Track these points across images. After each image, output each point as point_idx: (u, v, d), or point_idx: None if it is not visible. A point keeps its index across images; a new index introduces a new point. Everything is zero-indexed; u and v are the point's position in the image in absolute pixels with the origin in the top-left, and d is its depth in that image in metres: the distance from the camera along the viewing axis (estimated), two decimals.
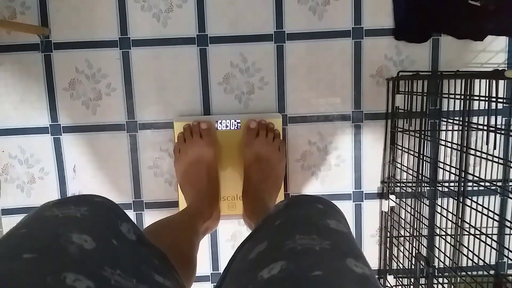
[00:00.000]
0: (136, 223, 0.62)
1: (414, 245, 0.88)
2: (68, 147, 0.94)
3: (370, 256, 0.97)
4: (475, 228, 0.72)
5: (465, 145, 0.78)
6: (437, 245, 0.91)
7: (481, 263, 0.69)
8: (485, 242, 0.68)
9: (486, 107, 0.91)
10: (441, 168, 0.88)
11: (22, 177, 0.95)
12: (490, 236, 0.67)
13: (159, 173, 0.95)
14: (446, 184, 0.90)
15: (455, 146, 0.87)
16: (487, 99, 0.66)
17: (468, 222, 0.72)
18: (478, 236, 0.69)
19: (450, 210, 0.81)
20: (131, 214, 0.95)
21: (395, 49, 0.91)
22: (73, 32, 0.90)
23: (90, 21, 0.90)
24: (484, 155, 0.70)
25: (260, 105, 0.93)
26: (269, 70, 0.92)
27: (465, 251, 0.80)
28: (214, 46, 0.91)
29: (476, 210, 0.68)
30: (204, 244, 0.97)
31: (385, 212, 0.93)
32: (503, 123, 0.93)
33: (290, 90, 0.92)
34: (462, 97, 0.70)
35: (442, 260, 0.85)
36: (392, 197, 0.90)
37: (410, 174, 0.88)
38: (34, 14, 0.89)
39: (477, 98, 0.78)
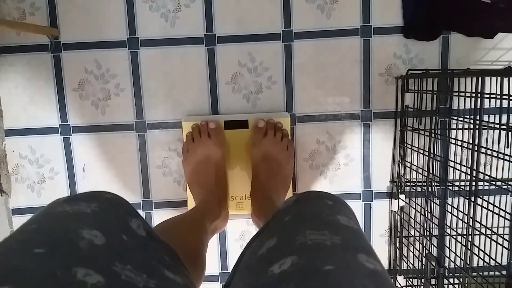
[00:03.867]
0: None
1: (425, 245, 0.87)
2: (77, 147, 0.94)
3: (379, 256, 0.95)
4: (486, 227, 0.71)
5: (476, 143, 0.77)
6: (448, 245, 0.90)
7: (492, 263, 0.69)
8: (496, 242, 0.67)
9: (498, 105, 0.90)
10: (451, 167, 0.87)
11: (32, 177, 0.96)
12: (502, 235, 0.67)
13: (168, 173, 0.95)
14: (457, 184, 0.90)
15: (466, 145, 0.86)
16: (498, 97, 0.65)
17: (480, 221, 0.72)
18: (489, 236, 0.69)
19: (461, 209, 0.80)
20: (140, 213, 0.96)
21: (404, 47, 0.90)
22: (82, 32, 0.90)
23: (98, 22, 0.90)
24: (495, 154, 0.69)
25: (268, 104, 0.93)
26: (277, 69, 0.92)
27: (476, 251, 0.79)
28: (222, 46, 0.91)
29: (488, 209, 0.68)
30: (212, 244, 0.97)
31: (395, 211, 0.92)
32: None
33: (298, 89, 0.92)
34: (473, 95, 0.69)
35: (453, 260, 0.84)
36: (402, 196, 0.90)
37: (420, 173, 0.87)
38: (44, 15, 0.90)
39: (488, 96, 0.77)
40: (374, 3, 0.89)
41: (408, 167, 0.91)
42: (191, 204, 0.92)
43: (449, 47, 0.90)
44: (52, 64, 0.91)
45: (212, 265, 0.98)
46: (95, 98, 0.92)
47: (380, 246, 0.97)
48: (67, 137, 0.94)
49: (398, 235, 0.93)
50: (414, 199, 0.91)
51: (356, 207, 0.96)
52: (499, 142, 0.85)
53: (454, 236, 0.80)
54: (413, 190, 0.91)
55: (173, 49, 0.91)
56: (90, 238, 0.37)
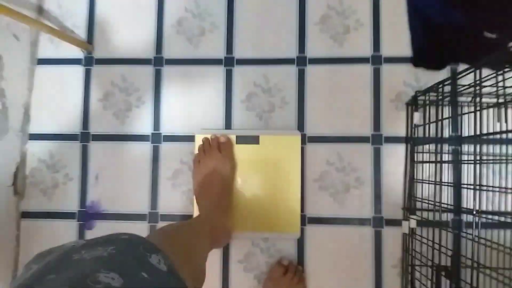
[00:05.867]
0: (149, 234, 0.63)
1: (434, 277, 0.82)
2: (94, 155, 0.98)
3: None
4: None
5: (477, 183, 0.75)
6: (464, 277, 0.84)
7: None
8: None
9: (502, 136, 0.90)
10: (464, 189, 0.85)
11: (47, 181, 0.98)
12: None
13: (177, 185, 0.96)
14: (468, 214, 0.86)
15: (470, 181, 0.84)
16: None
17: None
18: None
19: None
20: (145, 225, 0.96)
21: (414, 76, 0.94)
22: (113, 50, 1.00)
23: (129, 41, 1.00)
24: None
25: (280, 123, 0.96)
26: (290, 90, 0.96)
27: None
28: (240, 67, 0.97)
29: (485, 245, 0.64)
30: (215, 263, 0.94)
31: (406, 234, 0.88)
32: None
33: (310, 110, 0.96)
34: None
35: None
36: (413, 217, 0.86)
37: (427, 203, 0.85)
38: (82, 33, 1.00)
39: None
40: (384, 35, 0.96)
41: (419, 200, 0.88)
42: None
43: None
44: (83, 76, 1.00)
45: (212, 285, 0.94)
46: (117, 108, 0.98)
47: (391, 278, 0.91)
48: (86, 144, 0.98)
49: (410, 263, 0.87)
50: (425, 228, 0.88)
51: (367, 233, 0.92)
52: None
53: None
54: (424, 219, 0.88)
55: (194, 68, 0.98)
56: (107, 281, 0.37)
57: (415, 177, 0.89)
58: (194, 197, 0.91)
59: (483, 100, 0.89)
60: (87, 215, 0.97)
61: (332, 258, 0.93)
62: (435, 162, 0.88)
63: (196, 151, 0.93)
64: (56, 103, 1.00)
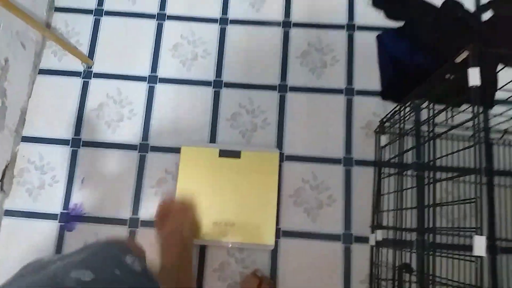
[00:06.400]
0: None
1: None
2: (82, 160, 1.03)
3: None
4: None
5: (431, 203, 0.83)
6: None
7: None
8: None
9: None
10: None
11: (33, 182, 1.02)
12: None
13: (161, 193, 1.01)
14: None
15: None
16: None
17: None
18: None
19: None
20: (125, 229, 0.99)
21: (382, 107, 1.05)
22: (112, 66, 1.09)
23: (128, 60, 1.09)
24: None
25: (260, 141, 1.04)
26: (271, 113, 1.06)
27: None
28: (227, 90, 1.07)
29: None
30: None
31: (373, 246, 0.94)
32: None
33: (289, 131, 1.04)
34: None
35: None
36: (379, 232, 0.92)
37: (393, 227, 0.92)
38: (85, 50, 1.10)
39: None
40: (357, 70, 1.08)
41: (384, 224, 0.95)
42: None
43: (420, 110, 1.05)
44: (81, 87, 1.07)
45: None
46: (110, 119, 1.05)
47: None
48: (76, 149, 1.03)
49: (376, 276, 0.92)
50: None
51: (337, 248, 0.97)
52: None
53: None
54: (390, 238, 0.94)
55: (185, 88, 1.07)
56: (77, 276, 0.39)
57: (381, 197, 0.97)
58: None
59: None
60: (68, 217, 1.00)
61: (304, 271, 0.97)
62: (397, 189, 0.97)
63: (180, 169, 0.98)
64: (52, 110, 1.06)
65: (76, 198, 1.01)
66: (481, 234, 0.50)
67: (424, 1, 1.12)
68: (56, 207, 1.01)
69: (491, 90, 0.99)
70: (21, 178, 1.02)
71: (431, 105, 0.88)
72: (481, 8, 1.13)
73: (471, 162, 1.00)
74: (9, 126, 0.99)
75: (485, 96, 1.05)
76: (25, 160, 1.03)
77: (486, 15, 1.10)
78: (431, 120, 0.83)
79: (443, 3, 1.11)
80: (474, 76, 0.52)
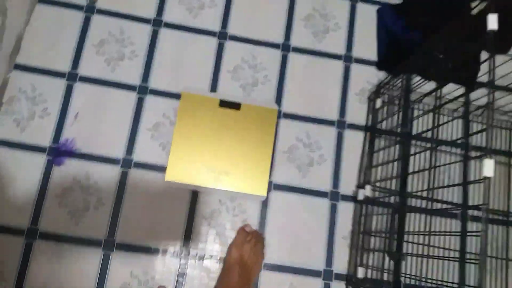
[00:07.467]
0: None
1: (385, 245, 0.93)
2: (77, 95, 1.00)
3: (340, 258, 0.99)
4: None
5: (433, 166, 0.90)
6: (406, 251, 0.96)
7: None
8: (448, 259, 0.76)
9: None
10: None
11: (23, 112, 0.97)
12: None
13: (156, 137, 1.00)
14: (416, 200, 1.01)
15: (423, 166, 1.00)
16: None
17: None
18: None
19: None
20: (117, 169, 0.97)
21: (376, 77, 1.10)
22: (116, 4, 1.06)
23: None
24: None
25: (260, 95, 1.06)
26: (273, 70, 1.08)
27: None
28: (232, 42, 1.08)
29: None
30: (180, 216, 0.97)
31: (361, 200, 0.99)
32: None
33: (288, 90, 1.07)
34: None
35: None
36: (368, 187, 0.97)
37: (379, 186, 0.98)
38: None
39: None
40: (357, 39, 1.12)
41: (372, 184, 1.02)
42: (170, 172, 0.96)
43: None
44: (82, 22, 1.04)
45: (175, 237, 0.96)
46: (110, 56, 1.03)
47: (342, 249, 1.00)
48: (71, 83, 1.00)
49: (361, 231, 0.98)
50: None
51: (324, 205, 1.02)
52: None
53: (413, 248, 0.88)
54: (376, 197, 1.01)
55: (189, 35, 1.07)
56: None
57: (372, 155, 1.03)
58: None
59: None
60: (58, 152, 0.97)
61: (291, 224, 1.00)
62: (388, 147, 1.03)
63: (179, 114, 0.98)
64: (49, 41, 1.02)
65: (68, 133, 0.98)
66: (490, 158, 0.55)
67: None
68: (46, 141, 0.97)
69: (474, 68, 1.08)
70: (10, 107, 0.97)
71: (421, 79, 0.96)
72: None
73: (453, 134, 1.10)
74: (4, 49, 0.94)
75: (469, 75, 1.14)
76: (16, 88, 0.98)
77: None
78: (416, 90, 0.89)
79: None
80: (493, 21, 0.57)
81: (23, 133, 0.96)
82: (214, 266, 0.96)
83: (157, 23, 1.07)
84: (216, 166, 0.99)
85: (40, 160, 0.96)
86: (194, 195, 0.99)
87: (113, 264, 0.94)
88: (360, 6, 1.15)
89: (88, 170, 0.97)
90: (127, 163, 0.98)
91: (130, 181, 0.97)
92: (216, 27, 1.09)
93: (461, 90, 1.03)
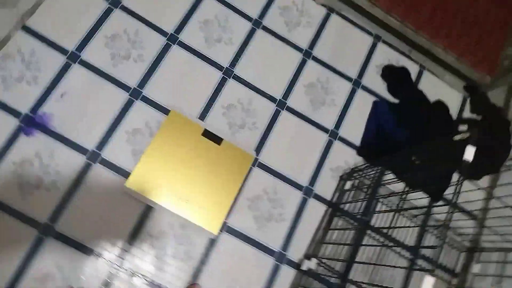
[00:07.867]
0: None
1: None
2: (71, 76, 1.00)
3: None
4: None
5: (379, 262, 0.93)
6: None
7: None
8: None
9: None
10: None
11: (13, 72, 0.96)
12: None
13: (132, 141, 0.99)
14: None
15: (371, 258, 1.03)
16: None
17: None
18: None
19: None
20: (81, 159, 0.95)
21: (354, 160, 1.15)
22: (142, 7, 1.09)
23: (159, 7, 1.10)
24: None
25: (243, 139, 1.08)
26: (262, 120, 1.11)
27: None
28: (234, 82, 1.12)
29: None
30: (124, 229, 0.94)
31: (304, 270, 1.00)
32: None
33: (270, 143, 1.10)
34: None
35: None
36: (314, 260, 0.99)
37: (324, 263, 1.00)
38: None
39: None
40: (347, 121, 1.18)
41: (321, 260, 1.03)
42: (132, 179, 0.95)
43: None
44: (103, 10, 1.06)
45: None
46: (117, 52, 1.04)
47: None
48: (70, 63, 1.00)
49: None
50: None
51: (268, 263, 1.01)
52: None
53: None
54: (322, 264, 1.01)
55: (198, 61, 1.10)
56: None
57: (327, 232, 1.05)
58: None
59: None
60: (32, 122, 0.94)
61: (231, 271, 0.99)
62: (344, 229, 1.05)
63: (161, 129, 1.00)
64: (65, 16, 1.03)
65: (48, 108, 0.97)
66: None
67: (421, 92, 1.28)
68: (24, 107, 0.95)
69: (445, 184, 1.14)
70: (2, 62, 0.96)
71: (394, 178, 1.01)
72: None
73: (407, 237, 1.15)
74: (18, 7, 0.94)
75: (438, 189, 1.20)
76: (14, 48, 0.97)
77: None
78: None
79: (434, 103, 1.28)
80: (470, 152, 0.63)
81: (5, 91, 0.94)
82: (141, 287, 0.93)
83: (173, 38, 1.10)
84: (179, 190, 0.98)
85: (11, 123, 0.94)
86: (148, 210, 0.97)
87: (44, 250, 0.90)
88: (360, 92, 1.22)
89: (54, 149, 0.94)
90: (94, 157, 0.97)
91: (91, 175, 0.96)
92: (225, 62, 1.13)
93: (426, 201, 1.09)
